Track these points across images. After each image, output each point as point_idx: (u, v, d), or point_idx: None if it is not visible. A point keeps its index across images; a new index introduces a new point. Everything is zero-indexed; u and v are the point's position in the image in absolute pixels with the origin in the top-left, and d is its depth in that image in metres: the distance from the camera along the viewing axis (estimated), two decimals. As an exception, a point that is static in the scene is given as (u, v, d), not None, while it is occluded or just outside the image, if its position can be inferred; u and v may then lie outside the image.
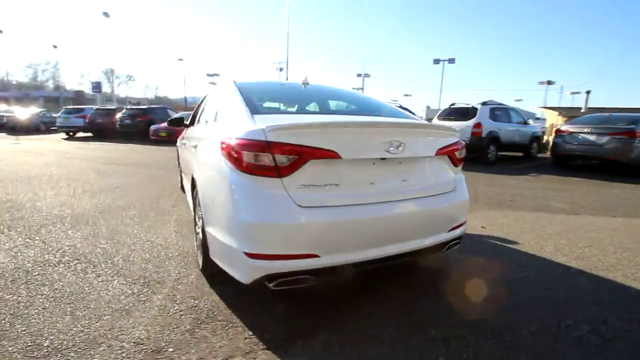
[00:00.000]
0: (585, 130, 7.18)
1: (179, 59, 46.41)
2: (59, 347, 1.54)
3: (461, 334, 1.69)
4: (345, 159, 1.59)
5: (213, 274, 2.15)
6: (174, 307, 1.89)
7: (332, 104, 2.35)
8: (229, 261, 1.69)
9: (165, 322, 1.76)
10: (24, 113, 18.73)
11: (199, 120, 3.09)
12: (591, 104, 25.36)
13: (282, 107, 2.31)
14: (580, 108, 25.57)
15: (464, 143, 2.10)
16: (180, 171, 4.50)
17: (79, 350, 1.53)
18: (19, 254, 2.53)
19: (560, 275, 2.39)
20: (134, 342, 1.59)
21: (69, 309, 1.84)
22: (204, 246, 1.99)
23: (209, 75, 43.35)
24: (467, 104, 8.60)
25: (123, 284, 2.13)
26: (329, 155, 1.56)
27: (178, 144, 4.57)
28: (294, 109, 2.30)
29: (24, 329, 1.67)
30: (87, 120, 15.52)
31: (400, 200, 1.75)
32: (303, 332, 1.69)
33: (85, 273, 2.26)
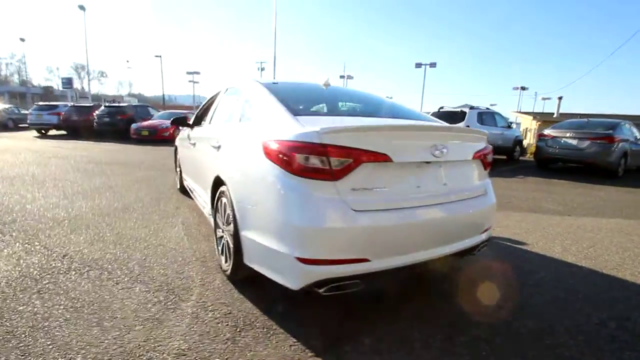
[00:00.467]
0: (567, 135, 7.56)
1: (157, 56, 44.45)
2: (95, 361, 1.44)
3: (501, 332, 1.73)
4: (395, 162, 1.58)
5: (241, 279, 2.08)
6: (207, 314, 1.81)
7: (360, 106, 2.33)
8: (274, 267, 1.64)
9: (201, 330, 1.68)
10: (-11, 109, 17.53)
11: (211, 121, 2.99)
12: (562, 110, 26.74)
13: (315, 108, 2.27)
14: (552, 113, 26.96)
15: (491, 147, 2.15)
16: (180, 172, 4.35)
17: (118, 364, 1.44)
18: (21, 260, 2.35)
19: (574, 275, 2.49)
20: (176, 354, 1.51)
21: (94, 320, 1.72)
22: (237, 251, 1.92)
23: (189, 73, 42.14)
24: (456, 108, 8.84)
25: (146, 291, 2.02)
26: (381, 158, 1.55)
27: (178, 144, 4.42)
28: (325, 110, 2.27)
29: (48, 342, 1.55)
30: (61, 118, 14.72)
31: (443, 203, 1.76)
32: (347, 337, 1.67)
33: (101, 280, 2.12)
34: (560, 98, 27.02)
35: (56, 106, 15.47)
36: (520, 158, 10.87)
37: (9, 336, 1.58)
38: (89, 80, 41.77)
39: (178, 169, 4.62)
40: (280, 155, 1.55)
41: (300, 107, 1.96)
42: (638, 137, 8.12)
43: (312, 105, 2.16)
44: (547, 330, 1.78)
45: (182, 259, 2.50)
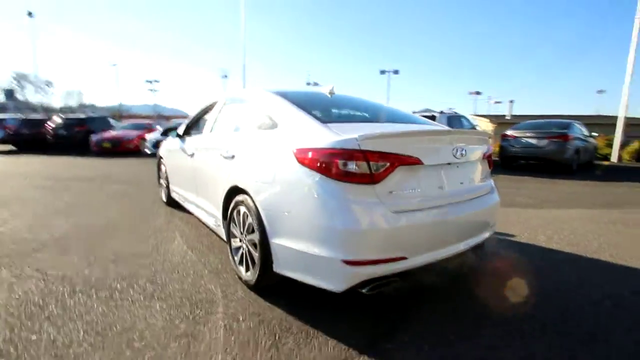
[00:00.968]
0: (527, 134, 8.24)
1: (113, 64, 42.24)
2: (139, 383, 1.37)
3: (534, 314, 1.87)
4: (425, 164, 1.68)
5: (265, 288, 2.07)
6: (241, 325, 1.78)
7: (372, 113, 2.41)
8: (313, 272, 1.65)
9: (240, 341, 1.65)
10: None
11: (212, 130, 2.93)
12: (513, 112, 29.03)
13: (336, 116, 2.30)
14: (505, 115, 29.23)
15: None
16: (167, 184, 4.18)
17: (165, 383, 1.38)
18: (14, 287, 2.15)
19: (564, 260, 2.74)
20: (223, 367, 1.47)
21: (122, 342, 1.63)
22: (264, 260, 1.91)
23: (148, 81, 40.46)
24: (427, 112, 9.29)
25: (167, 307, 1.94)
26: (414, 161, 1.65)
27: (164, 155, 4.25)
28: (346, 117, 2.32)
29: (80, 370, 1.45)
30: (8, 131, 13.45)
31: (462, 202, 1.89)
32: (385, 335, 1.72)
33: (114, 301, 2.01)
34: (511, 101, 29.36)
35: (2, 119, 14.13)
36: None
37: (32, 367, 1.45)
38: (24, 91, 38.37)
39: (163, 181, 4.43)
40: (320, 162, 1.58)
41: (324, 115, 2.00)
42: (586, 135, 9.06)
43: (330, 112, 2.21)
44: (562, 312, 1.96)
45: (194, 272, 2.42)
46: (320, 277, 1.63)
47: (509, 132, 8.76)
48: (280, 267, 1.83)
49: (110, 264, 2.53)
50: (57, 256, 2.66)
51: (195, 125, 3.84)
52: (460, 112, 10.49)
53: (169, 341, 1.64)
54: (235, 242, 2.30)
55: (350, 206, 1.53)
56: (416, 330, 1.76)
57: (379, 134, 1.61)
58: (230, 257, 2.38)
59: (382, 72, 29.26)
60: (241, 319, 1.84)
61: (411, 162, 1.65)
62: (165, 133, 3.80)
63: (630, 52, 11.69)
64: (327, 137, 1.65)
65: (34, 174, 7.19)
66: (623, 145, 12.50)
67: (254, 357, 1.54)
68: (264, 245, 1.90)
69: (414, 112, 9.35)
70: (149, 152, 12.09)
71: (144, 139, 13.18)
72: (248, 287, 2.15)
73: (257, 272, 1.99)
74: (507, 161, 8.97)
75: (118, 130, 13.84)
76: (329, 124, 1.79)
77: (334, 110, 2.30)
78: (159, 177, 4.68)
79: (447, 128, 2.13)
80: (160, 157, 4.45)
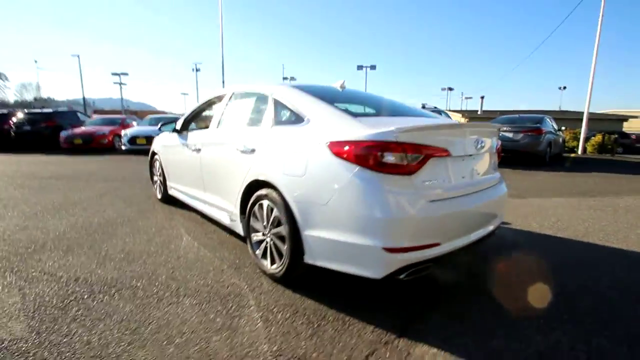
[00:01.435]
0: (504, 128, 8.67)
1: (74, 55, 39.35)
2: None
3: (541, 296, 2.03)
4: (453, 155, 1.78)
5: (292, 279, 2.10)
6: (277, 316, 1.81)
7: (389, 107, 2.48)
8: (351, 260, 1.71)
9: (280, 332, 1.68)
10: None
11: (219, 125, 2.89)
12: (484, 107, 30.28)
13: (360, 110, 2.34)
14: (477, 111, 30.45)
15: None
16: (164, 180, 4.06)
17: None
18: (26, 290, 2.06)
19: (559, 244, 2.97)
20: (273, 355, 1.51)
21: (162, 339, 1.61)
22: (294, 251, 1.94)
23: (114, 74, 38.39)
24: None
25: (197, 303, 1.93)
26: (444, 153, 1.75)
27: (160, 150, 4.10)
28: (370, 112, 2.37)
29: (126, 368, 1.43)
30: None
31: (481, 191, 2.01)
32: (415, 319, 1.81)
33: (140, 299, 1.97)
34: (482, 97, 30.65)
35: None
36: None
37: (75, 369, 1.42)
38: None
39: (158, 178, 4.30)
40: (358, 154, 1.63)
41: (351, 109, 2.04)
42: (556, 129, 9.66)
43: (352, 107, 2.25)
44: (572, 291, 2.14)
45: (212, 268, 2.40)
46: (359, 265, 1.69)
47: (487, 127, 9.15)
48: (314, 258, 1.87)
49: (122, 262, 2.46)
50: (62, 257, 2.55)
51: (194, 120, 3.76)
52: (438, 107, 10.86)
53: (210, 335, 1.64)
54: (257, 236, 2.30)
55: (390, 196, 1.60)
56: (444, 313, 1.87)
57: (415, 127, 1.68)
58: (251, 251, 2.38)
59: (360, 67, 29.54)
60: (275, 311, 1.87)
61: (442, 153, 1.74)
62: (162, 128, 3.69)
63: (594, 54, 12.55)
64: (363, 130, 1.70)
65: (8, 174, 6.71)
66: (587, 139, 13.45)
67: (299, 345, 1.58)
68: (295, 238, 1.93)
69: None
70: (124, 148, 11.60)
71: (118, 135, 12.63)
72: (274, 279, 2.18)
73: (286, 265, 2.02)
74: (486, 154, 9.40)
75: (89, 126, 13.15)
76: (359, 118, 1.85)
77: (356, 105, 2.34)
78: (152, 174, 4.53)
79: (479, 123, 2.24)
80: (155, 153, 4.31)
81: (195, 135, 3.23)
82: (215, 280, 2.21)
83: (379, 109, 2.42)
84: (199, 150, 3.04)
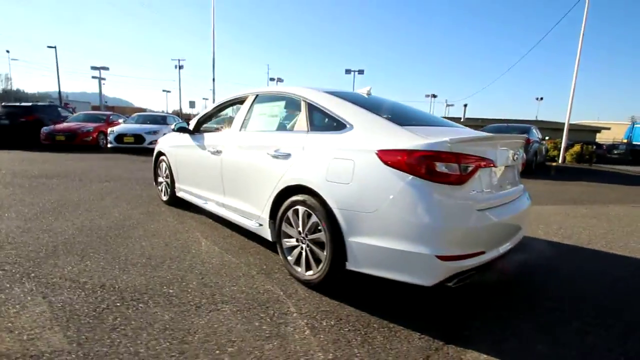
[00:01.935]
0: (495, 137, 8.98)
1: (50, 47, 37.50)
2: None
3: (560, 299, 2.13)
4: (496, 166, 1.84)
5: (329, 286, 2.10)
6: (322, 323, 1.81)
7: (419, 116, 2.51)
8: (401, 267, 1.73)
9: (330, 338, 1.68)
10: None
11: (242, 129, 2.86)
12: (466, 115, 31.23)
13: (404, 118, 2.32)
14: (460, 118, 31.39)
15: None
16: (172, 182, 3.96)
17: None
18: (51, 297, 1.96)
19: (570, 252, 3.12)
20: (330, 364, 1.51)
21: (214, 349, 1.58)
22: (335, 258, 1.95)
23: (94, 68, 36.89)
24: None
25: (238, 310, 1.90)
26: (490, 164, 1.80)
27: (169, 151, 3.98)
28: (408, 120, 2.37)
29: (183, 379, 1.39)
30: None
31: (513, 200, 2.09)
32: (458, 324, 1.85)
33: (178, 306, 1.91)
34: (465, 105, 31.63)
35: None
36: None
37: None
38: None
39: (164, 179, 4.19)
40: (412, 163, 1.66)
41: (397, 118, 2.06)
42: (541, 138, 10.11)
43: (397, 115, 2.23)
44: (586, 295, 2.25)
45: (242, 273, 2.37)
46: (409, 273, 1.72)
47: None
48: (358, 265, 1.89)
49: (146, 268, 2.38)
50: (79, 262, 2.44)
51: (208, 121, 3.71)
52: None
53: (261, 343, 1.62)
54: (290, 242, 2.29)
55: (443, 205, 1.64)
56: (483, 317, 1.92)
57: (466, 138, 1.74)
58: (282, 257, 2.37)
59: (348, 71, 29.84)
60: (319, 318, 1.86)
61: (488, 164, 1.80)
62: (177, 130, 3.61)
63: (575, 68, 13.25)
64: (416, 139, 1.73)
65: (-16, 170, 6.34)
66: (566, 149, 14.13)
67: (352, 353, 1.58)
68: (336, 244, 1.93)
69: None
70: (110, 146, 11.21)
71: (103, 132, 12.19)
72: (308, 286, 2.17)
73: (325, 271, 2.02)
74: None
75: (72, 122, 12.62)
76: (407, 127, 1.88)
77: (390, 113, 2.37)
78: (156, 175, 4.41)
79: (514, 135, 2.31)
80: (161, 154, 4.19)
81: (214, 137, 3.17)
82: (248, 287, 2.18)
83: (413, 118, 2.43)
84: (219, 152, 2.99)
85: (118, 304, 1.92)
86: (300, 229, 2.19)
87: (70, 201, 4.16)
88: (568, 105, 13.41)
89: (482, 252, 1.75)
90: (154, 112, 18.92)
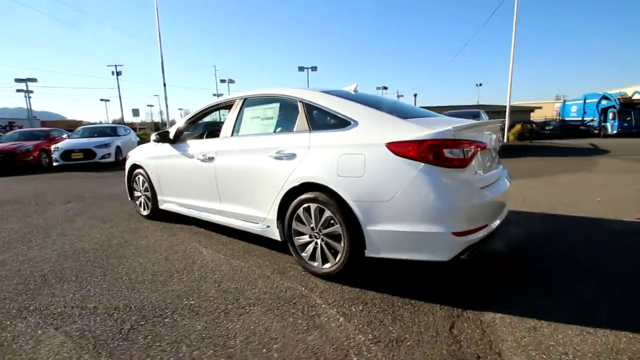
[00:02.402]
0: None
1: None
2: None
3: (575, 265, 2.44)
4: (488, 149, 2.08)
5: (347, 275, 2.21)
6: (351, 309, 1.92)
7: (409, 110, 2.66)
8: (419, 247, 1.88)
9: (364, 321, 1.80)
10: None
11: (234, 133, 2.85)
12: (417, 104, 32.85)
13: (402, 112, 2.43)
14: (412, 108, 32.98)
15: None
16: (153, 195, 3.78)
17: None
18: (64, 327, 1.84)
19: (542, 219, 3.53)
20: (372, 342, 1.62)
21: (260, 348, 1.62)
22: (354, 248, 2.06)
23: (19, 80, 33.11)
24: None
25: (268, 309, 1.94)
26: (485, 147, 2.03)
27: (149, 163, 3.78)
28: (405, 114, 2.49)
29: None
30: None
31: (500, 178, 2.35)
32: (472, 294, 2.07)
33: (205, 315, 1.91)
34: (415, 95, 33.27)
35: None
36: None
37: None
38: None
39: (143, 193, 3.99)
40: (422, 152, 1.82)
41: (396, 112, 2.20)
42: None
43: (395, 110, 2.34)
44: (601, 262, 2.60)
45: (257, 275, 2.40)
46: (427, 251, 1.88)
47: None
48: (377, 251, 2.02)
49: (155, 284, 2.31)
50: (79, 288, 2.30)
51: (189, 129, 3.61)
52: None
53: (303, 336, 1.70)
54: (302, 239, 2.36)
55: (453, 187, 1.83)
56: (490, 287, 2.15)
57: (465, 126, 1.94)
58: (295, 255, 2.43)
59: (301, 68, 29.90)
60: (347, 305, 1.97)
61: (484, 147, 2.03)
62: (157, 139, 3.46)
63: (511, 55, 14.61)
64: (423, 130, 1.89)
65: None
66: (509, 128, 15.57)
67: (388, 331, 1.72)
68: (354, 234, 2.05)
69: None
70: (56, 164, 10.25)
71: (45, 150, 11.11)
72: (327, 278, 2.26)
73: (344, 262, 2.13)
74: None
75: (6, 142, 11.35)
76: (410, 119, 2.05)
77: (387, 108, 2.51)
78: (132, 190, 4.18)
79: (491, 120, 2.55)
80: (137, 167, 3.98)
81: (202, 144, 3.11)
82: (268, 287, 2.22)
83: (408, 111, 2.55)
84: (211, 159, 2.95)
85: (142, 323, 1.86)
86: (313, 225, 2.27)
87: (36, 227, 3.81)
88: (508, 89, 14.80)
89: (486, 225, 1.97)
90: (92, 124, 17.53)
